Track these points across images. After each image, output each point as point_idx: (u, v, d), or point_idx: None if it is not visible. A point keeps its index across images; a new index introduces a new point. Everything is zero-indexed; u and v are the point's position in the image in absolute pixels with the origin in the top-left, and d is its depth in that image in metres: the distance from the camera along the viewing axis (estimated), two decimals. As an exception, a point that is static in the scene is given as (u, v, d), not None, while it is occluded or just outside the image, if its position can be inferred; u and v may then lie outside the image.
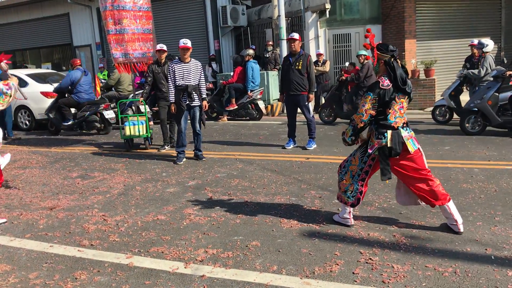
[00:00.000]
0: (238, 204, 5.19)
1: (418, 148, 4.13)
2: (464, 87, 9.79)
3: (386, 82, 4.00)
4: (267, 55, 14.11)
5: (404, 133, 4.07)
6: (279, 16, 13.06)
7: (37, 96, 12.11)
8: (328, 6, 13.68)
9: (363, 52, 10.38)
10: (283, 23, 13.03)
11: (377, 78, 4.14)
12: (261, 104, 12.31)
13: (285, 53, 12.57)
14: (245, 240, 4.16)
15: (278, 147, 8.28)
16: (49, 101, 12.07)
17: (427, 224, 4.32)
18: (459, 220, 4.08)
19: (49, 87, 12.05)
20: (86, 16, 19.30)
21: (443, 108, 10.08)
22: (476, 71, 9.14)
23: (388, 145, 4.01)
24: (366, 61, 10.28)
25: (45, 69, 17.67)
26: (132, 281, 3.48)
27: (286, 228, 4.38)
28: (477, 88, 9.10)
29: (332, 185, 5.69)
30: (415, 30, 13.67)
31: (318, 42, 14.29)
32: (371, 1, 14.06)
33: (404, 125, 4.11)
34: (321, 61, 12.89)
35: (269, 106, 13.29)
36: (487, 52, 8.99)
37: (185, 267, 3.67)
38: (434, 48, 14.21)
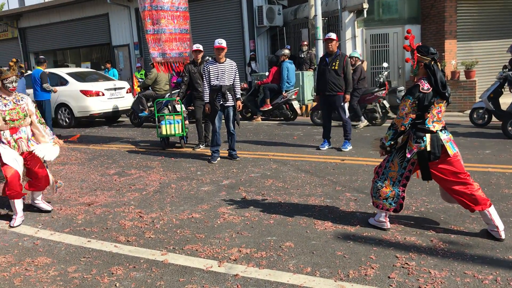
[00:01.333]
0: (271, 205, 5.18)
1: (457, 151, 4.02)
2: (504, 89, 9.46)
3: (426, 86, 3.92)
4: (302, 55, 14.04)
5: (443, 136, 3.98)
6: (315, 16, 12.98)
7: (77, 94, 12.45)
8: (366, 5, 13.49)
9: (356, 54, 10.46)
10: (319, 23, 12.94)
11: (416, 81, 4.05)
12: (295, 105, 12.26)
13: (321, 53, 12.49)
14: (279, 240, 4.14)
15: (313, 148, 8.22)
16: (88, 99, 12.42)
17: (466, 230, 4.19)
18: (501, 226, 3.95)
19: (89, 86, 12.40)
20: (124, 16, 19.69)
21: (480, 111, 9.77)
22: None
23: (428, 149, 3.92)
24: (358, 63, 10.36)
25: (85, 68, 18.16)
26: (166, 278, 3.53)
27: (320, 230, 4.34)
28: None
29: (368, 187, 5.60)
30: (456, 30, 13.31)
31: (355, 42, 14.12)
32: (410, 1, 13.78)
33: (442, 128, 4.01)
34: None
35: (304, 107, 13.22)
36: None
37: (219, 266, 3.69)
38: (475, 49, 13.80)
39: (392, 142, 4.15)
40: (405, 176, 4.13)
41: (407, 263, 3.55)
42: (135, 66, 19.28)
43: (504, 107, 8.88)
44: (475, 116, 9.90)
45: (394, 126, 4.09)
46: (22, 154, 4.93)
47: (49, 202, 5.46)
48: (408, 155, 4.03)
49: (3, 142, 4.84)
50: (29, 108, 5.00)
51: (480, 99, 9.77)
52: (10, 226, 4.82)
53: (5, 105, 4.81)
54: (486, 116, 9.70)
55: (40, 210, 5.31)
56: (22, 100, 4.95)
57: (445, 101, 3.98)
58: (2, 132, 4.83)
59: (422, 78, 3.99)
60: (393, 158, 4.18)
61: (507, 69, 9.54)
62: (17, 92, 5.00)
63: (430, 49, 3.99)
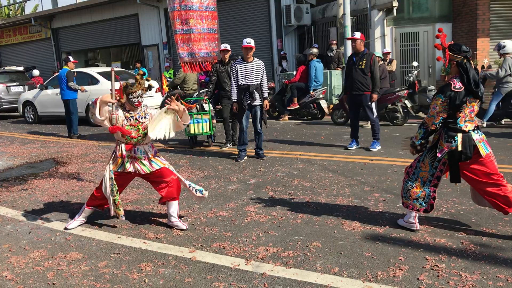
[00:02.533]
0: (298, 204, 5.17)
1: (490, 152, 3.94)
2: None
3: (458, 85, 3.85)
4: (331, 54, 13.94)
5: (476, 136, 3.90)
6: (344, 14, 12.86)
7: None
8: (395, 4, 13.31)
9: (377, 54, 10.46)
10: (348, 22, 12.82)
11: (448, 79, 3.98)
12: (323, 104, 12.18)
13: (349, 52, 12.37)
14: (306, 240, 4.13)
15: (341, 148, 8.16)
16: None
17: (498, 233, 4.09)
18: None
19: (119, 85, 12.56)
20: (154, 16, 19.94)
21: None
22: (493, 72, 9.17)
23: (459, 149, 3.85)
24: (380, 63, 10.22)
25: (115, 68, 18.45)
26: (194, 275, 3.57)
27: (348, 230, 4.32)
28: (496, 89, 9.27)
29: (397, 188, 5.53)
30: (489, 28, 12.99)
31: (384, 41, 13.94)
32: (441, -2, 13.54)
33: (475, 128, 3.93)
34: (388, 60, 12.56)
35: (332, 106, 13.12)
36: (507, 54, 9.03)
37: (246, 264, 3.70)
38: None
39: (422, 141, 4.10)
40: (436, 176, 4.07)
41: (437, 265, 3.49)
42: (164, 65, 19.52)
43: None
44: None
45: (424, 125, 4.04)
46: (129, 173, 4.57)
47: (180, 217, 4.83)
48: (439, 155, 3.97)
49: (116, 155, 4.51)
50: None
51: None
52: (65, 228, 4.72)
53: (127, 119, 4.43)
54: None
55: (69, 205, 5.44)
56: (146, 117, 4.49)
57: (478, 100, 3.90)
58: (120, 144, 4.47)
59: (455, 77, 3.92)
60: (424, 158, 4.12)
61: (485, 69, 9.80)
62: (143, 108, 4.56)
63: (462, 47, 3.92)
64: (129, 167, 4.50)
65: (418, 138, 4.10)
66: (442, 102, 3.88)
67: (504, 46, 9.03)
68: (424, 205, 4.12)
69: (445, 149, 3.94)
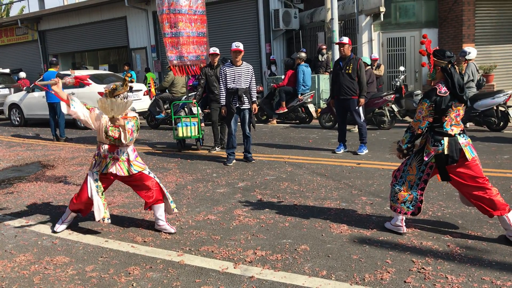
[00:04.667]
0: (287, 207, 5.19)
1: (475, 156, 4.00)
2: None
3: (443, 89, 3.91)
4: (322, 59, 14.00)
5: (462, 139, 3.96)
6: (332, 19, 12.95)
7: (95, 96, 12.55)
8: (382, 9, 13.44)
9: (364, 60, 10.50)
10: (336, 27, 12.91)
11: (433, 85, 4.04)
12: (311, 108, 12.24)
13: (337, 56, 12.46)
14: (294, 243, 4.15)
15: (328, 152, 8.21)
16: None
17: (484, 235, 4.15)
18: None
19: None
20: (142, 19, 19.88)
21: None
22: None
23: (445, 152, 3.90)
24: (367, 67, 10.40)
25: (103, 70, 18.35)
26: (183, 279, 3.56)
27: (336, 233, 4.34)
28: None
29: (384, 191, 5.58)
30: (474, 34, 13.18)
31: (371, 46, 14.07)
32: (427, 4, 13.70)
33: (461, 132, 3.99)
34: (375, 65, 12.66)
35: (320, 110, 13.19)
36: (470, 60, 9.40)
37: (234, 267, 3.71)
38: (494, 53, 13.65)
39: (409, 145, 4.15)
40: (423, 180, 4.12)
41: (423, 268, 3.53)
42: (154, 68, 19.47)
43: None
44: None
45: (411, 129, 4.10)
46: (110, 175, 4.55)
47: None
48: (426, 158, 4.02)
49: (100, 156, 4.50)
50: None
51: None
52: (54, 231, 4.69)
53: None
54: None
55: (56, 209, 5.40)
56: (130, 121, 4.48)
57: (463, 104, 3.96)
58: (102, 145, 4.49)
59: (440, 82, 3.98)
60: (411, 161, 4.17)
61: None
62: (129, 112, 4.57)
63: (446, 53, 3.98)
64: (111, 168, 4.49)
65: (405, 142, 4.16)
66: (428, 106, 3.93)
67: (469, 53, 9.43)
68: (411, 208, 4.16)
69: (431, 153, 3.99)
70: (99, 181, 4.50)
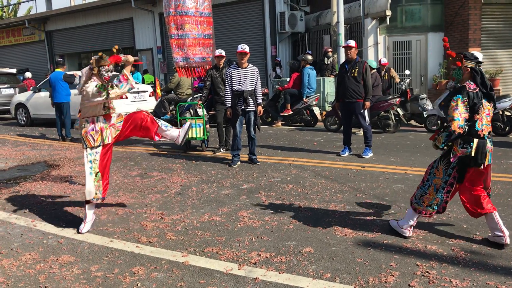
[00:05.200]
0: (291, 210, 5.19)
1: (491, 163, 4.00)
2: None
3: (472, 86, 3.90)
4: (328, 62, 13.99)
5: (489, 144, 3.92)
6: (338, 22, 12.96)
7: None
8: (389, 12, 13.43)
9: (370, 63, 10.61)
10: (342, 30, 12.92)
11: (461, 84, 4.03)
12: (316, 110, 12.25)
13: (342, 59, 12.46)
14: (298, 245, 4.16)
15: (333, 154, 8.21)
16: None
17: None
18: (506, 231, 3.95)
19: None
20: (148, 20, 19.95)
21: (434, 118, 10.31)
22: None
23: (472, 154, 3.86)
24: (373, 70, 10.42)
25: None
26: (187, 279, 3.57)
27: (340, 236, 4.34)
28: None
29: (389, 195, 5.58)
30: (480, 38, 13.15)
31: (377, 49, 14.06)
32: (433, 8, 13.69)
33: (489, 135, 3.96)
34: (384, 70, 12.56)
35: (325, 112, 13.19)
36: None
37: (238, 269, 3.72)
38: (500, 57, 13.61)
39: (445, 146, 4.00)
40: (450, 183, 4.07)
41: (428, 272, 3.53)
42: (159, 69, 19.53)
43: None
44: (427, 122, 10.49)
45: (449, 129, 3.90)
46: (109, 145, 4.82)
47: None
48: (452, 160, 3.98)
49: (95, 130, 4.66)
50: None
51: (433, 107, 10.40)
52: (78, 232, 4.69)
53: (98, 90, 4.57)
54: (439, 122, 10.09)
55: (62, 208, 5.43)
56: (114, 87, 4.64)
57: (492, 103, 3.95)
58: (97, 118, 4.67)
59: (468, 81, 3.97)
60: (438, 164, 4.13)
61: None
62: (112, 82, 4.70)
63: (473, 54, 4.07)
64: (108, 136, 4.76)
65: (441, 142, 3.98)
66: (462, 101, 3.85)
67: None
68: (436, 207, 4.14)
69: (458, 154, 3.94)
70: (93, 162, 4.71)
